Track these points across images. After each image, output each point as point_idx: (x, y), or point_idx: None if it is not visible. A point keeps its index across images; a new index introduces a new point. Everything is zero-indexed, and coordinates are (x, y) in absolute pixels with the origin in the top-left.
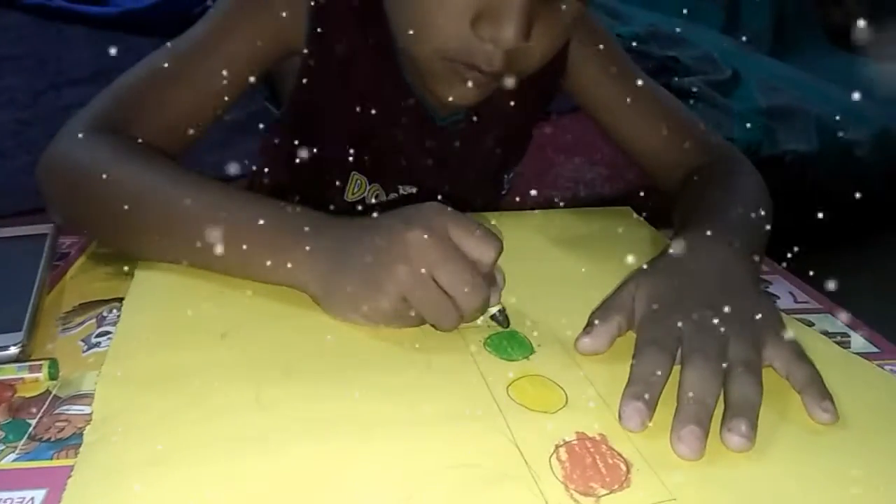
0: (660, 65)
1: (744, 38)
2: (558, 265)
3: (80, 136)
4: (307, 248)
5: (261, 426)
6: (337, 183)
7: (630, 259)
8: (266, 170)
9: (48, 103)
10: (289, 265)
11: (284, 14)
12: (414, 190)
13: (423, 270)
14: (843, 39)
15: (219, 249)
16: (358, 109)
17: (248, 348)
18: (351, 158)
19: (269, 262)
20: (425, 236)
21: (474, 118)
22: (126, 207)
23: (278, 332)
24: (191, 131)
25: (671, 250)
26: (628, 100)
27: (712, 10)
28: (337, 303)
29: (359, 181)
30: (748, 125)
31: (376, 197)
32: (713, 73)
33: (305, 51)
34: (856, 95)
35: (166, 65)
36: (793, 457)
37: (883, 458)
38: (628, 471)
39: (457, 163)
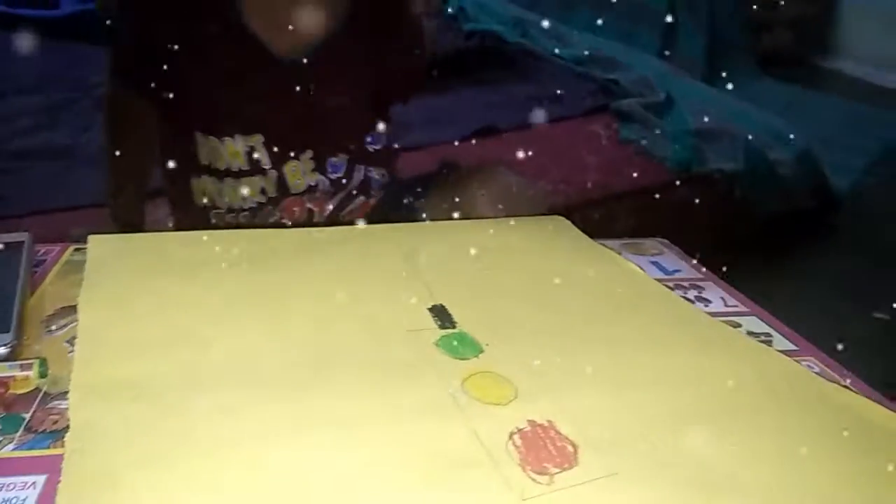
0: (601, 87)
1: (677, 64)
2: (495, 272)
3: None
4: None
5: (232, 430)
6: (223, 143)
7: (565, 266)
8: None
9: None
10: None
11: None
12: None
13: None
14: (774, 65)
15: None
16: (213, 69)
17: (211, 353)
18: (223, 115)
19: None
20: None
21: (313, 57)
22: None
23: (244, 336)
24: None
25: None
26: None
27: (648, 36)
28: None
29: (239, 138)
30: (680, 145)
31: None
32: (649, 95)
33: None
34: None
35: None
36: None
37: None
38: (576, 452)
39: (312, 101)
